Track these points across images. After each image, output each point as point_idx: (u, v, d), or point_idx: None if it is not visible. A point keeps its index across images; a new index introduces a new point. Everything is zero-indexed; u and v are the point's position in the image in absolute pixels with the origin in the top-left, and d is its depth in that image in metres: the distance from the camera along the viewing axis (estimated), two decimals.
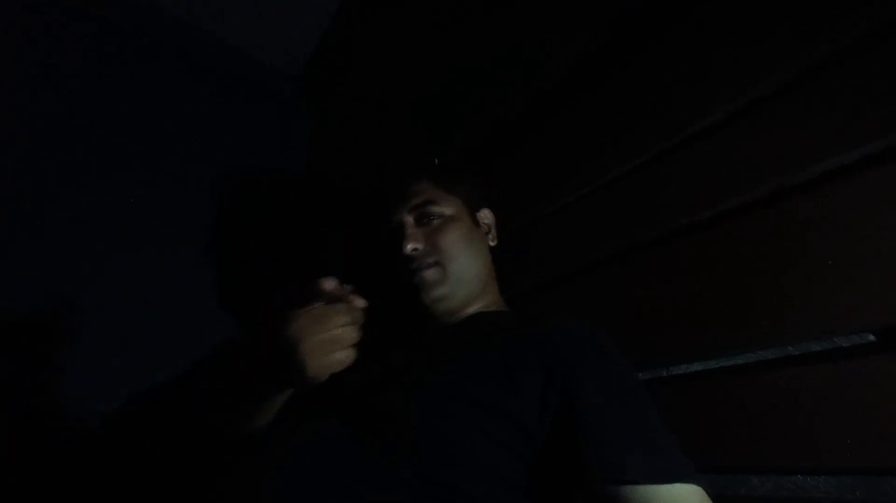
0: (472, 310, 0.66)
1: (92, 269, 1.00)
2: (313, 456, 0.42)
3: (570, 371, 0.47)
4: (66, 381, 0.92)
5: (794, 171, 0.50)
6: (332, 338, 0.44)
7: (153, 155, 1.16)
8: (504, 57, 0.88)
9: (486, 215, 0.76)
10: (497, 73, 0.89)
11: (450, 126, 0.99)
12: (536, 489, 0.45)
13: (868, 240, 0.45)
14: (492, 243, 0.73)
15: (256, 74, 1.45)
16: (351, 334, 0.45)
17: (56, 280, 0.96)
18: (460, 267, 0.65)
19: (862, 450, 0.42)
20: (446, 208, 0.68)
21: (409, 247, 0.64)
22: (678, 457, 0.41)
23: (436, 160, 0.98)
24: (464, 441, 0.45)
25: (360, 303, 0.47)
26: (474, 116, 0.93)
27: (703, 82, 0.59)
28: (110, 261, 1.03)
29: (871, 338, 0.45)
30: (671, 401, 0.55)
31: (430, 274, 0.63)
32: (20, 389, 0.88)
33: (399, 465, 0.43)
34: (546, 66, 0.79)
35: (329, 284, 0.48)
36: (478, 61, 0.95)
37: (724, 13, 0.59)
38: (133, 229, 1.08)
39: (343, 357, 0.45)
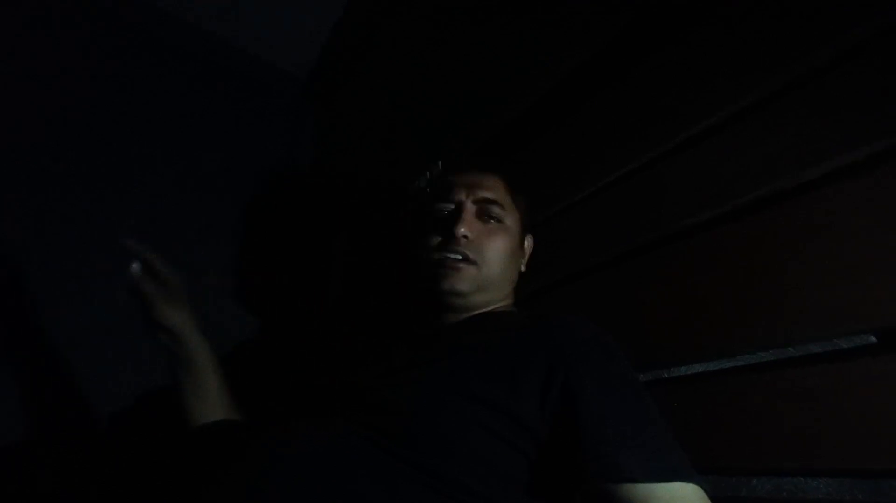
0: (478, 311, 0.65)
1: (95, 269, 1.01)
2: (314, 448, 0.42)
3: (571, 369, 0.47)
4: (68, 382, 0.93)
5: (795, 172, 0.50)
6: None
7: (158, 155, 1.17)
8: (508, 59, 0.89)
9: (529, 243, 0.73)
10: (501, 75, 0.90)
11: (454, 127, 1.00)
12: (538, 485, 0.45)
13: (868, 241, 0.45)
14: (522, 269, 0.72)
15: (263, 75, 1.46)
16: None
17: (58, 280, 0.97)
18: (492, 278, 0.63)
19: (862, 451, 0.42)
20: (507, 217, 0.66)
21: (462, 230, 0.61)
22: (677, 456, 0.42)
23: (439, 163, 0.98)
24: (464, 434, 0.45)
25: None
26: (478, 117, 0.93)
27: (705, 85, 0.59)
28: (114, 261, 1.03)
29: (872, 339, 0.45)
30: (672, 402, 0.55)
31: (465, 268, 0.61)
32: (21, 390, 0.88)
33: (399, 458, 0.44)
34: (549, 69, 0.79)
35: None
36: (483, 63, 0.95)
37: (725, 17, 0.59)
38: (137, 228, 1.09)
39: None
